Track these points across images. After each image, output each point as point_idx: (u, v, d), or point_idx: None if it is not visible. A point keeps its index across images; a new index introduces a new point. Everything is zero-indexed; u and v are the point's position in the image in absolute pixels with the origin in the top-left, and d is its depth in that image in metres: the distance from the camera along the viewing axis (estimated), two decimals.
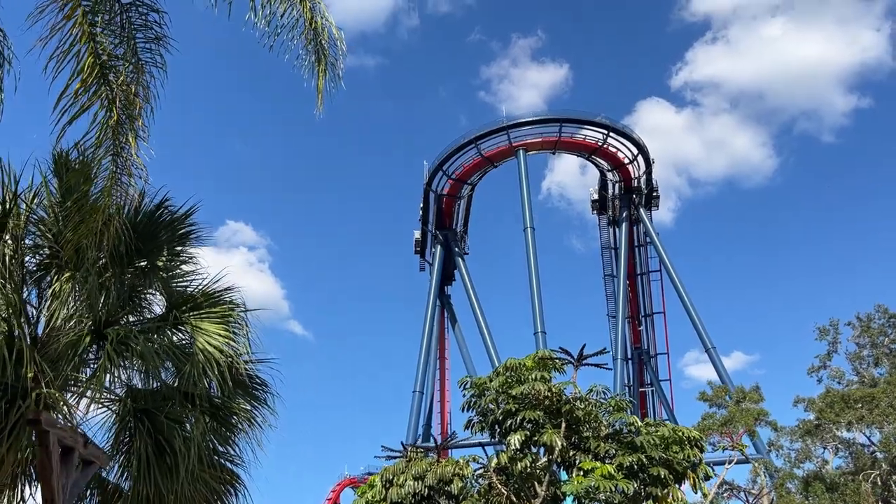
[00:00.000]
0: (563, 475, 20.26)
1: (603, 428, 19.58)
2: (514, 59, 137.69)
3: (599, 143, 70.70)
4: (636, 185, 72.20)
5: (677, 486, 19.46)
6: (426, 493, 22.18)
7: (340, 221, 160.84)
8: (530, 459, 18.94)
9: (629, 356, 74.46)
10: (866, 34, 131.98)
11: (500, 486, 20.19)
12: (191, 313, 8.74)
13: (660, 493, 19.32)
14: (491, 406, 20.42)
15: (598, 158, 72.79)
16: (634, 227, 74.53)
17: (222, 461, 8.99)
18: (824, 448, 36.85)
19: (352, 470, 77.50)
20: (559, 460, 19.34)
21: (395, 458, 23.51)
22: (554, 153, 73.81)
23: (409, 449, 23.68)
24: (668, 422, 22.08)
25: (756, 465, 39.90)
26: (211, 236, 9.95)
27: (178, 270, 9.41)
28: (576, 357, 19.62)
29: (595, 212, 77.32)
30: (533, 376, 19.12)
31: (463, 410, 21.04)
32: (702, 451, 20.39)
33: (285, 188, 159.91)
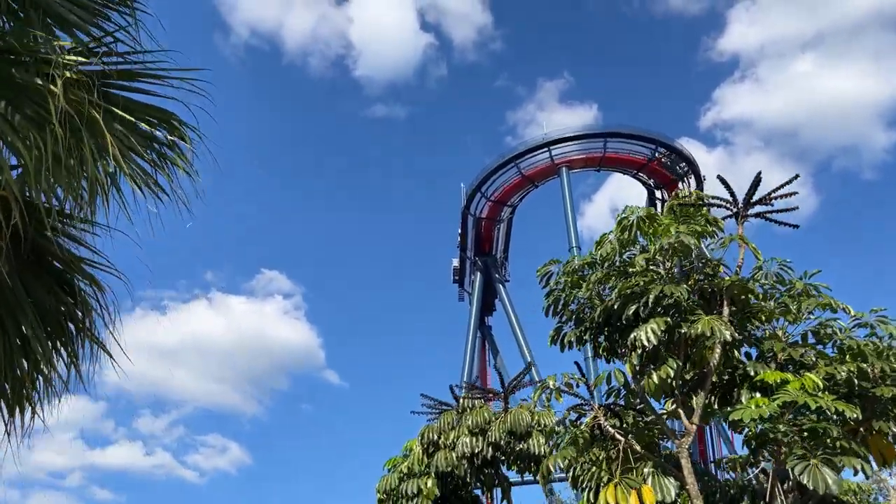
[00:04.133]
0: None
1: (789, 318, 11.19)
2: (539, 102, 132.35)
3: (647, 159, 63.14)
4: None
5: None
6: (490, 455, 13.72)
7: (373, 263, 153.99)
8: (672, 369, 10.57)
9: None
10: None
11: (610, 427, 11.77)
12: None
13: (891, 428, 10.82)
14: (591, 306, 12.23)
15: (644, 175, 65.05)
16: None
17: None
18: None
19: None
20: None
21: (441, 411, 15.11)
22: (598, 170, 66.14)
23: (464, 397, 15.25)
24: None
25: None
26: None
27: None
28: (743, 200, 11.29)
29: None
30: (675, 229, 10.99)
31: (548, 314, 12.84)
32: None
33: (317, 235, 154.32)
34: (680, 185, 64.22)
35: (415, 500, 14.90)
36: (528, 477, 15.68)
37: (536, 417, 14.12)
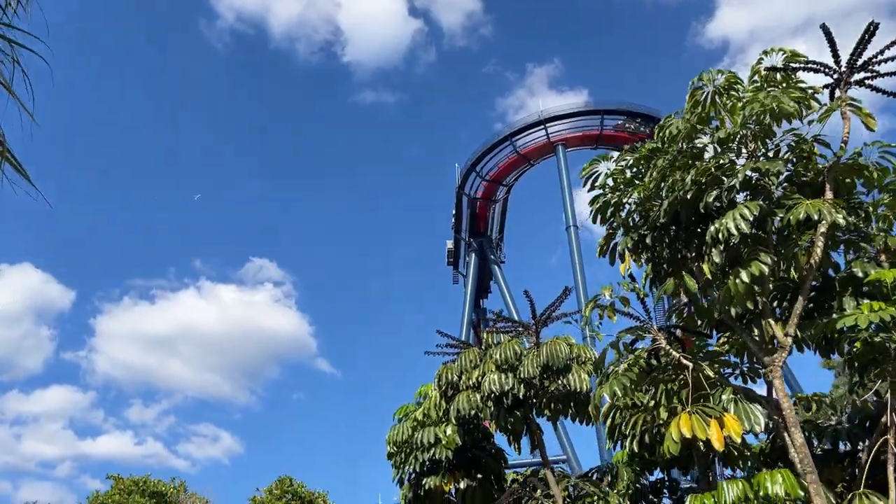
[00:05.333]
0: None
1: None
2: (529, 88, 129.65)
3: (646, 138, 60.94)
4: None
5: None
6: (522, 394, 11.43)
7: (364, 250, 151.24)
8: (766, 265, 8.32)
9: None
10: None
11: (675, 351, 9.54)
12: None
13: None
14: (649, 209, 9.99)
15: None
16: None
17: None
18: None
19: (385, 500, 66.52)
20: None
21: (462, 350, 12.82)
22: (595, 148, 63.84)
23: (489, 331, 12.91)
24: None
25: None
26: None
27: None
28: (848, 62, 8.94)
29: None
30: (761, 96, 8.70)
31: (595, 222, 10.55)
32: None
33: (307, 222, 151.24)
34: None
35: (431, 451, 12.60)
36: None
37: (576, 350, 11.83)
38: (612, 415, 13.53)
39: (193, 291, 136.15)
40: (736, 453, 12.37)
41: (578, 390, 11.46)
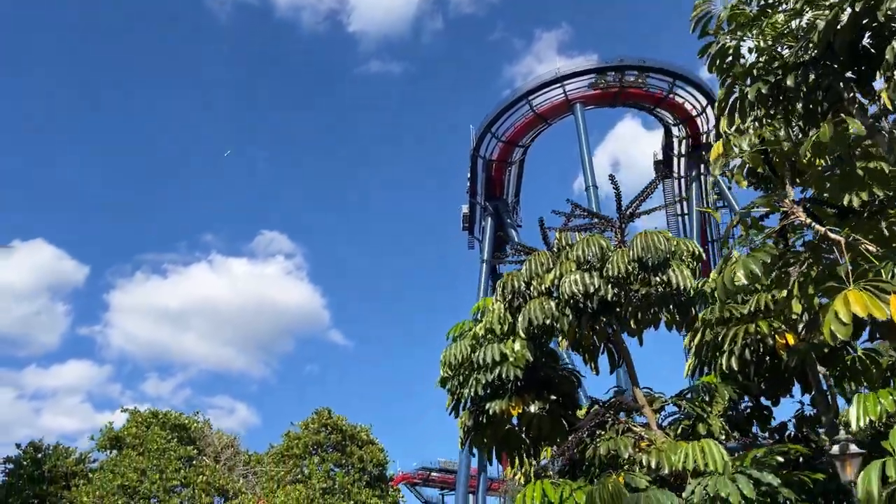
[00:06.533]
0: None
1: None
2: (537, 54, 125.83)
3: (665, 94, 58.50)
4: (705, 140, 59.22)
5: None
6: (610, 295, 9.30)
7: (374, 220, 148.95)
8: None
9: None
10: None
11: (819, 226, 7.36)
12: None
13: None
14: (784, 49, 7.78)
15: (662, 111, 60.53)
16: (703, 190, 61.37)
17: None
18: None
19: (404, 467, 65.80)
20: None
21: (529, 253, 10.68)
22: (614, 106, 61.37)
23: (562, 229, 10.73)
24: None
25: None
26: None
27: None
28: None
29: (659, 175, 64.35)
30: None
31: (711, 71, 8.32)
32: None
33: (315, 193, 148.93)
34: (699, 121, 59.69)
35: (495, 371, 10.50)
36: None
37: (675, 244, 9.69)
38: (701, 331, 11.49)
39: (205, 265, 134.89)
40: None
41: (683, 287, 9.31)
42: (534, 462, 12.22)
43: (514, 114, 60.27)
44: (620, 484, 8.95)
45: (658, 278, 9.49)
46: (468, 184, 64.17)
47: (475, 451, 12.24)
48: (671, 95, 58.33)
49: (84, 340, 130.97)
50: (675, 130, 61.24)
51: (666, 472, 9.29)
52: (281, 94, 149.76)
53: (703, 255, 9.81)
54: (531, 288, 10.45)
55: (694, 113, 58.94)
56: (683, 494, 8.63)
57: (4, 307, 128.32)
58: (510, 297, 10.64)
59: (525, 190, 65.30)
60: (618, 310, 10.16)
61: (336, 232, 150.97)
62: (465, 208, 66.15)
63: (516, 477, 13.67)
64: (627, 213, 10.48)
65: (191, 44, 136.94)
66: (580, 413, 11.41)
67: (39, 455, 29.72)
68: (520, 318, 10.30)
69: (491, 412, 10.64)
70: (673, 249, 9.63)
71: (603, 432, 10.14)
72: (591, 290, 9.55)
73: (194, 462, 28.83)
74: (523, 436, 11.58)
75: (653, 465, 9.30)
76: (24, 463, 29.17)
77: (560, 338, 11.20)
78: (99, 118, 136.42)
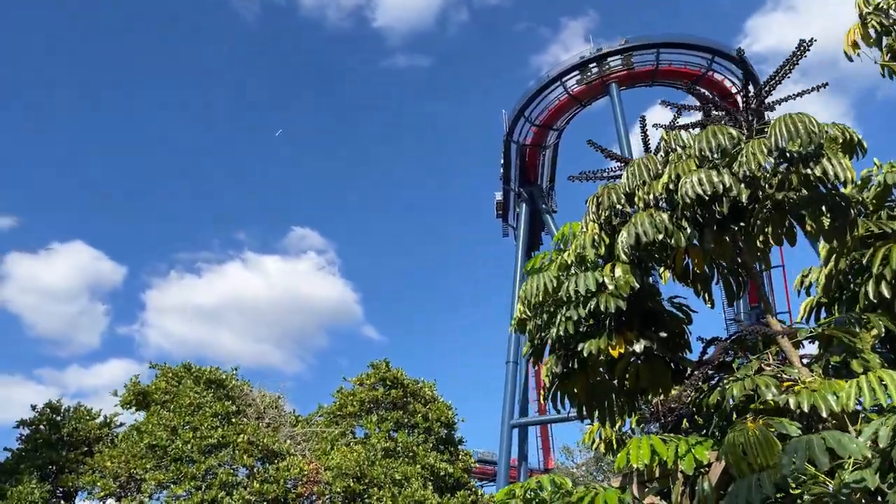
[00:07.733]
0: None
1: None
2: (564, 43, 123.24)
3: (703, 71, 55.84)
4: None
5: None
6: (744, 198, 7.20)
7: (404, 214, 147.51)
8: None
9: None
10: None
11: None
12: None
13: None
14: None
15: (701, 89, 57.24)
16: None
17: None
18: None
19: None
20: None
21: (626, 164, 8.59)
22: (651, 85, 58.72)
23: (670, 128, 8.63)
24: None
25: None
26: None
27: None
28: None
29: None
30: None
31: None
32: None
33: (345, 188, 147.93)
34: (738, 99, 56.82)
35: (590, 304, 8.46)
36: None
37: (827, 129, 7.62)
38: (835, 257, 9.34)
39: (239, 263, 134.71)
40: None
41: (844, 180, 7.19)
42: (627, 419, 10.17)
43: (548, 96, 58.06)
44: (768, 430, 6.90)
45: (810, 171, 7.38)
46: (501, 170, 62.16)
47: (561, 404, 10.18)
48: (709, 73, 55.67)
49: (123, 339, 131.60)
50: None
51: (825, 414, 7.23)
52: (308, 93, 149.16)
53: (866, 146, 7.66)
54: (636, 200, 8.43)
55: (733, 90, 56.12)
56: (860, 439, 6.57)
57: (47, 309, 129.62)
58: (607, 214, 8.63)
59: (559, 175, 62.98)
60: (750, 219, 8.09)
61: (367, 226, 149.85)
62: (498, 195, 64.15)
63: (596, 442, 11.57)
64: (765, 90, 8.35)
65: (220, 43, 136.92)
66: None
67: (58, 417, 26.36)
68: (623, 236, 8.25)
69: (586, 353, 8.61)
70: (829, 133, 7.51)
71: (727, 375, 8.07)
72: (721, 189, 7.50)
73: (233, 420, 24.81)
74: (617, 385, 9.53)
75: (804, 408, 7.23)
76: (41, 427, 25.97)
77: (661, 268, 9.16)
78: (128, 120, 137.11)
